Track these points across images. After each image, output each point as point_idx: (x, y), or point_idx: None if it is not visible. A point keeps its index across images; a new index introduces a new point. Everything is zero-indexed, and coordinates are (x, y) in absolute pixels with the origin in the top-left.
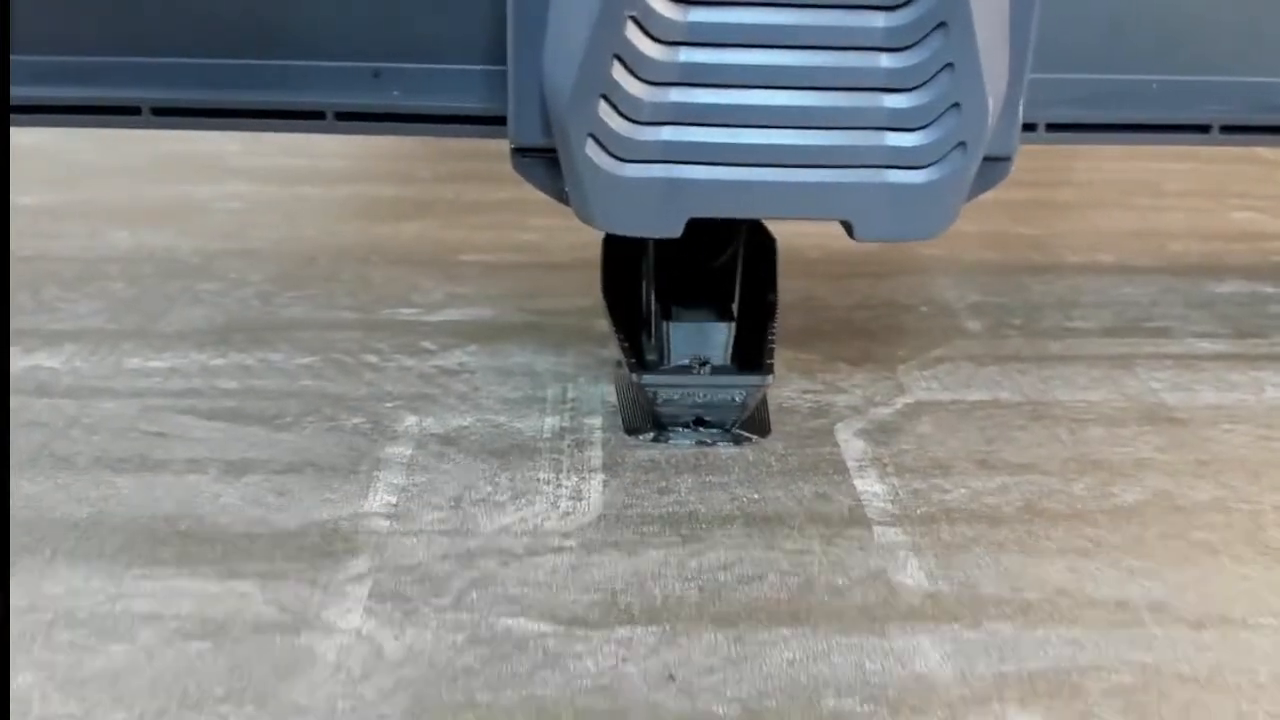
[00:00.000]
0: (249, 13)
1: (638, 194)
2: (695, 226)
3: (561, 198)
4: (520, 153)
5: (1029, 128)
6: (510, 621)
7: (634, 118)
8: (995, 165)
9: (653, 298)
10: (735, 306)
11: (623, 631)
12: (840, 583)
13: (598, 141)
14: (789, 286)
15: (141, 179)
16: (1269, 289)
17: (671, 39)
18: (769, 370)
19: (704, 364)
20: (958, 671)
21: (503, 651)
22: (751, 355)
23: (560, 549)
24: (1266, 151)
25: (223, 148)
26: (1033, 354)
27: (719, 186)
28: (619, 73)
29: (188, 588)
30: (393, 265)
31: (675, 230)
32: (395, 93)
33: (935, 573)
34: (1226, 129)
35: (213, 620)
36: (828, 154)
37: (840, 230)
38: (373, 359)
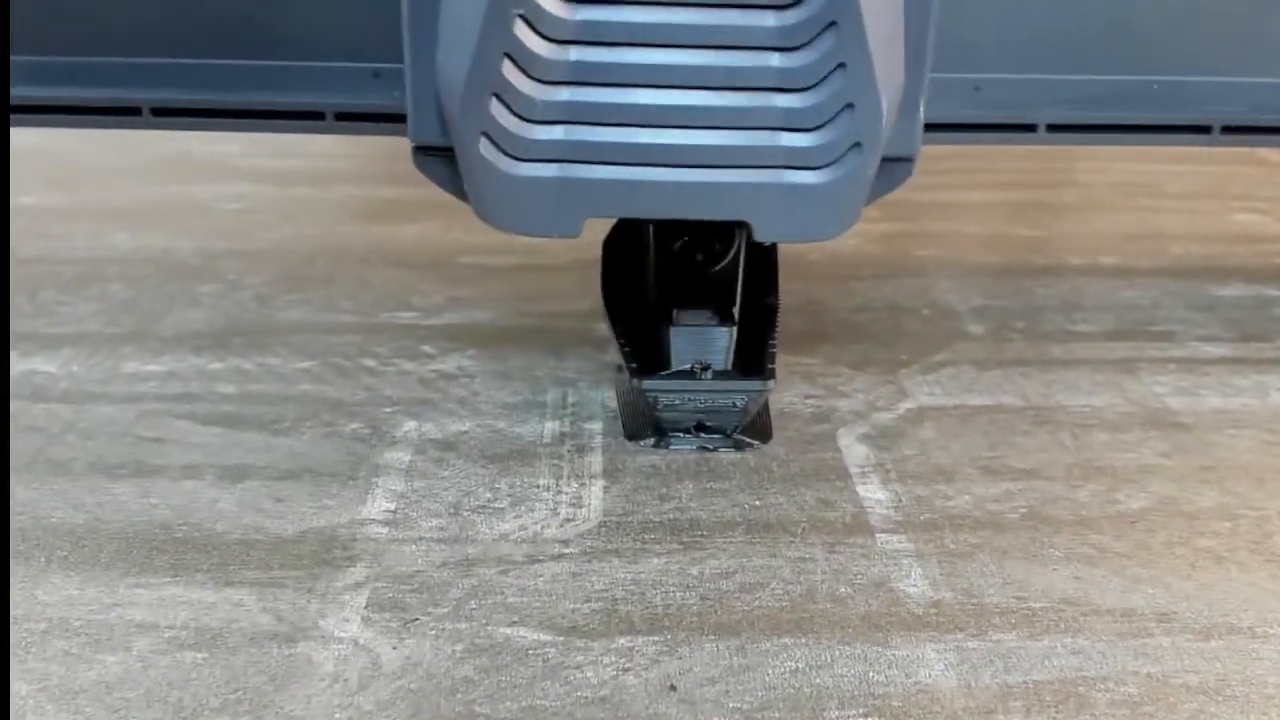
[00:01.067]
0: (249, 14)
1: (533, 193)
2: (695, 229)
3: (463, 196)
4: (421, 151)
5: (1029, 128)
6: (509, 631)
7: (527, 116)
8: (897, 166)
9: (654, 302)
10: (736, 311)
11: (623, 641)
12: (843, 591)
13: (491, 140)
14: (790, 289)
15: (142, 180)
16: (1272, 292)
17: (562, 37)
18: (771, 375)
19: (705, 369)
20: (962, 682)
21: (502, 662)
22: (753, 360)
23: (560, 556)
24: (1268, 153)
25: (223, 148)
26: (1035, 358)
27: (615, 186)
28: (510, 71)
29: (183, 596)
30: (392, 268)
31: (574, 230)
32: (395, 93)
33: (939, 581)
34: (1227, 130)
35: (209, 629)
36: (723, 154)
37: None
38: (371, 363)
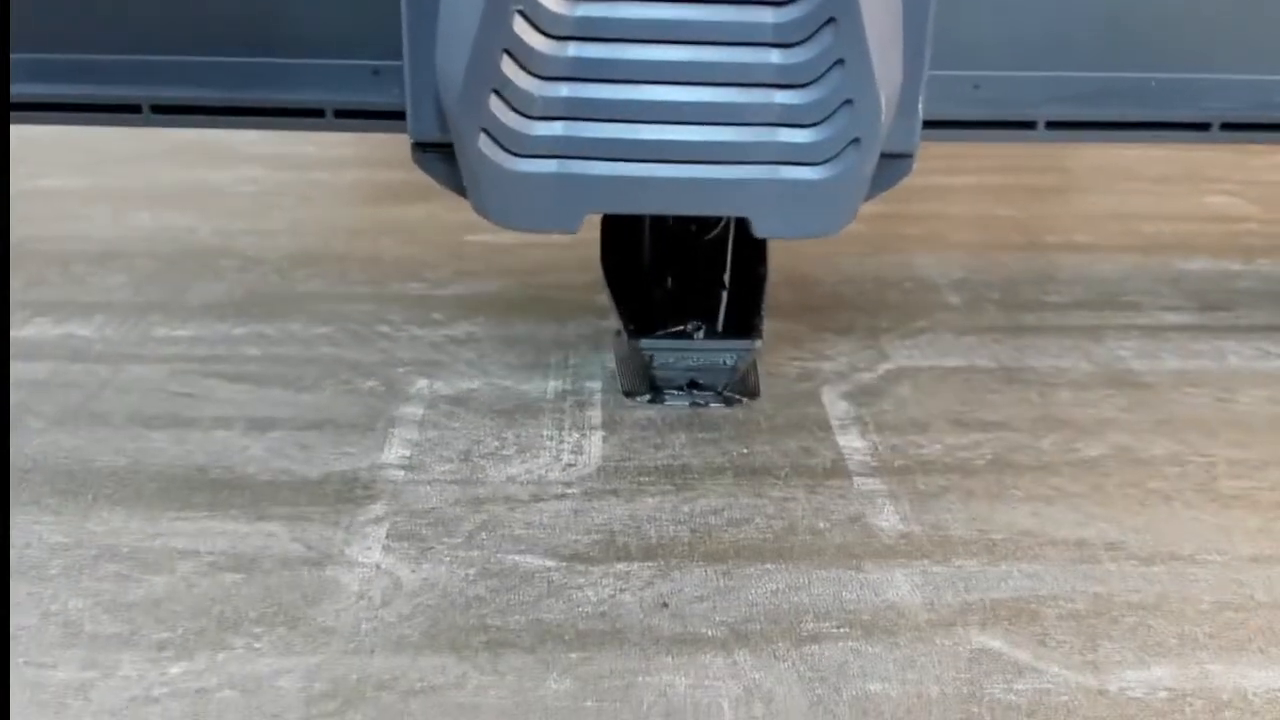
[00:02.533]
0: (248, 12)
1: (532, 189)
2: None
3: (462, 192)
4: (420, 148)
5: (1028, 125)
6: (517, 558)
7: (526, 112)
8: (896, 162)
9: (649, 269)
10: (727, 276)
11: (620, 566)
12: (821, 526)
13: (490, 136)
14: (779, 263)
15: (159, 165)
16: (1237, 266)
17: (560, 33)
18: (758, 335)
19: (698, 329)
20: (926, 600)
21: (510, 583)
22: (742, 322)
23: (563, 496)
24: None
25: (236, 135)
26: (1008, 325)
27: (614, 182)
28: (509, 67)
29: (220, 528)
30: (402, 244)
31: (573, 226)
32: (395, 91)
33: (909, 517)
34: (1226, 126)
35: (245, 555)
36: (722, 149)
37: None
38: (385, 329)
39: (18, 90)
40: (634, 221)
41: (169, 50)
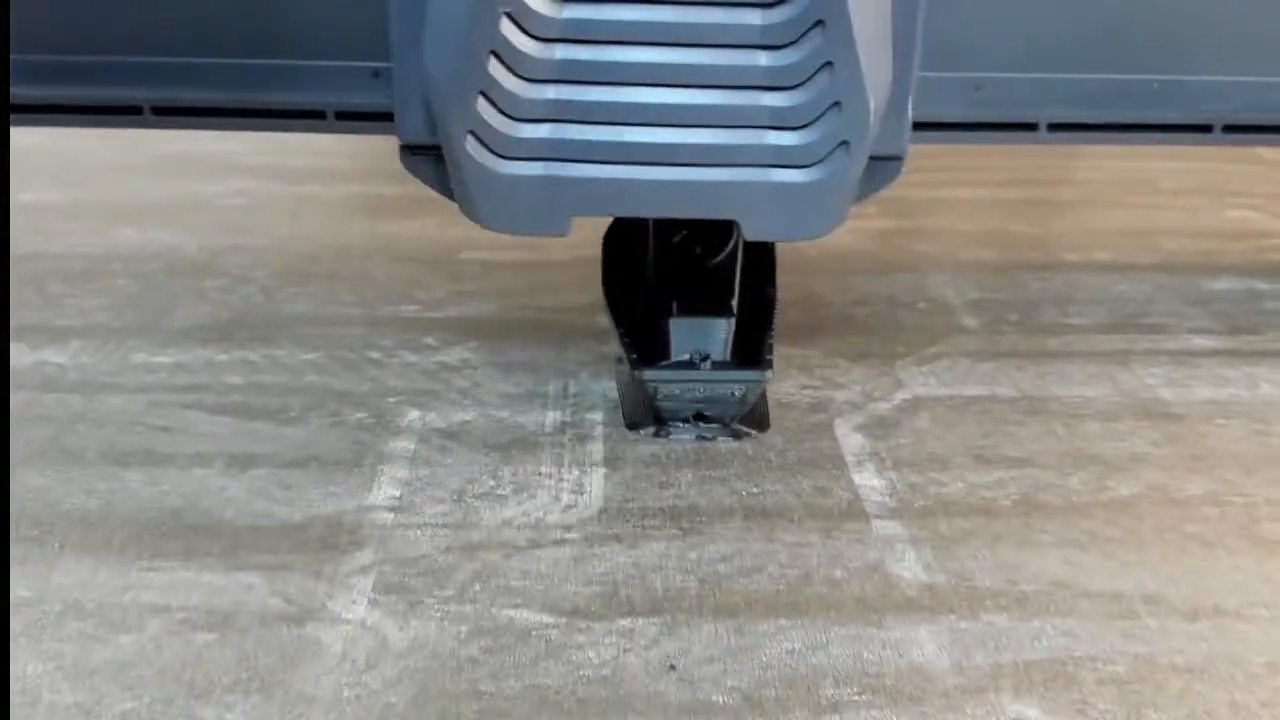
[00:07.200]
0: (249, 13)
1: (519, 192)
2: (693, 223)
3: (451, 195)
4: (409, 150)
5: (1030, 127)
6: (513, 613)
7: (513, 115)
8: (885, 165)
9: (653, 294)
10: (735, 302)
11: (624, 623)
12: (838, 575)
13: (478, 138)
14: (788, 283)
15: (146, 177)
16: (1264, 286)
17: (548, 36)
18: (768, 365)
19: (704, 359)
20: (954, 662)
21: (505, 642)
22: (751, 351)
23: (562, 541)
24: (1264, 151)
25: (225, 147)
26: (1029, 350)
27: (601, 185)
28: (496, 69)
29: (194, 580)
30: (395, 263)
31: (562, 229)
32: None
33: (932, 565)
34: (1229, 128)
35: (219, 611)
36: (710, 152)
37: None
38: (376, 355)
39: (18, 92)
40: (637, 243)
41: (170, 52)
